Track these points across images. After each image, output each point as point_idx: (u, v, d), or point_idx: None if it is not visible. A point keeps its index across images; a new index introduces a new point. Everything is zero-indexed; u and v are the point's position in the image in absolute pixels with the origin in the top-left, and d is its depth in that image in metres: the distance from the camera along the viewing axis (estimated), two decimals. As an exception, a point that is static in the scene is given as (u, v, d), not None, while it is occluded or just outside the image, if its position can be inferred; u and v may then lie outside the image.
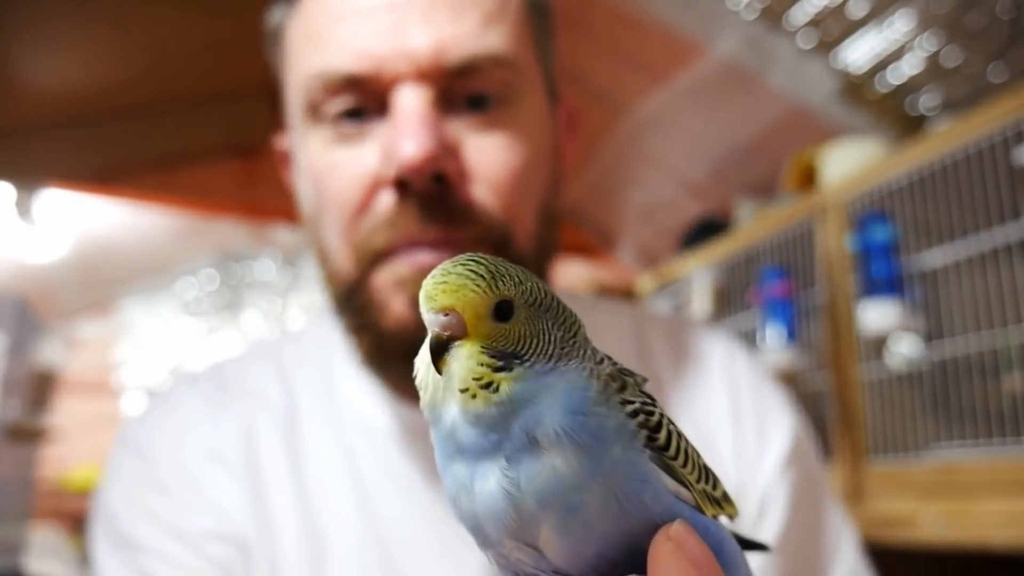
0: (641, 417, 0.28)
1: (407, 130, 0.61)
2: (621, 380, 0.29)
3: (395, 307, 0.64)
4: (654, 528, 0.27)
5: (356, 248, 0.65)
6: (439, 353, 0.28)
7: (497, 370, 0.27)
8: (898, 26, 1.68)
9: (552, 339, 0.29)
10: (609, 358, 0.31)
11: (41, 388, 2.65)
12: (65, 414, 2.92)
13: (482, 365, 0.27)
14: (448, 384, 0.28)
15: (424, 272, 0.68)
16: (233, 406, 0.73)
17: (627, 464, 0.27)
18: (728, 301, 1.99)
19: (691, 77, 2.17)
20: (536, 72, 0.70)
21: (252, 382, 0.75)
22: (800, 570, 0.71)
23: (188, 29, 2.44)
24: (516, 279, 0.29)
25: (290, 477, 0.69)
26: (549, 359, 0.28)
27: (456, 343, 0.28)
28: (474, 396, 0.27)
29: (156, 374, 3.42)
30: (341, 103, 0.65)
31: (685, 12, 1.98)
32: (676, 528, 0.26)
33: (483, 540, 0.28)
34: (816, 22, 1.78)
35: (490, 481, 0.27)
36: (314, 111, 0.66)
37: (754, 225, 1.95)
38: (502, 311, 0.28)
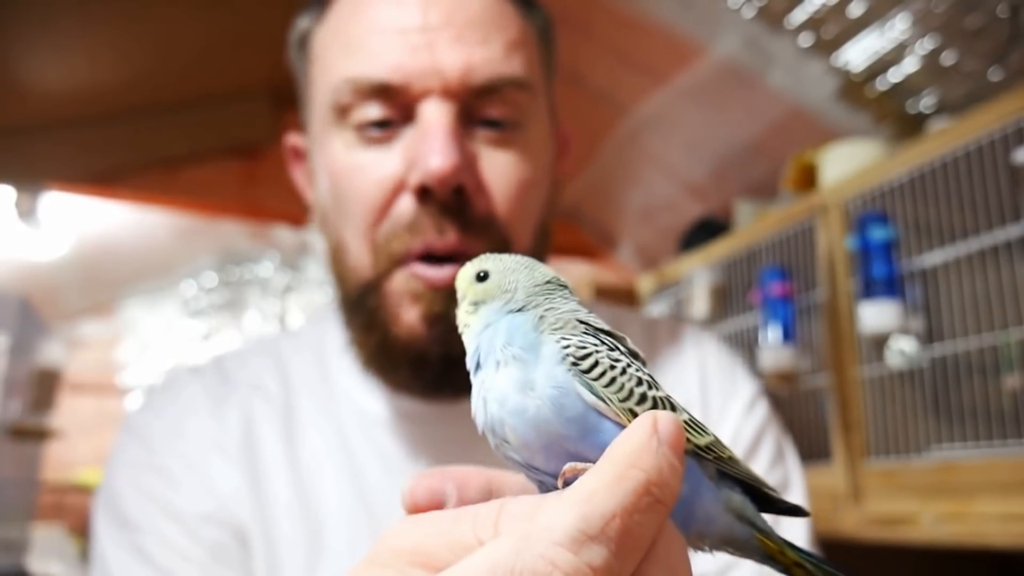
0: (572, 348, 0.35)
1: (435, 143, 0.66)
2: (572, 324, 0.37)
3: (408, 317, 0.69)
4: (582, 435, 0.34)
5: (376, 249, 0.70)
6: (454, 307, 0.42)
7: (471, 312, 0.40)
8: (898, 26, 1.69)
9: (517, 293, 0.39)
10: (586, 316, 0.39)
11: (43, 388, 2.66)
12: (67, 414, 2.93)
13: (463, 311, 0.40)
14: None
15: (437, 289, 0.73)
16: (233, 396, 0.77)
17: (550, 377, 0.35)
18: (728, 301, 1.99)
19: (691, 77, 2.18)
20: (543, 98, 0.76)
21: (251, 373, 0.79)
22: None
23: (190, 30, 2.44)
24: (498, 258, 0.41)
25: (286, 462, 0.73)
26: (515, 304, 0.39)
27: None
28: (462, 330, 0.40)
29: (158, 374, 3.42)
30: (369, 111, 0.69)
31: (685, 12, 1.98)
32: (661, 412, 0.32)
33: (484, 433, 0.37)
34: (816, 22, 1.78)
35: (476, 391, 0.37)
36: (341, 113, 0.70)
37: (754, 225, 1.95)
38: (480, 277, 0.40)
